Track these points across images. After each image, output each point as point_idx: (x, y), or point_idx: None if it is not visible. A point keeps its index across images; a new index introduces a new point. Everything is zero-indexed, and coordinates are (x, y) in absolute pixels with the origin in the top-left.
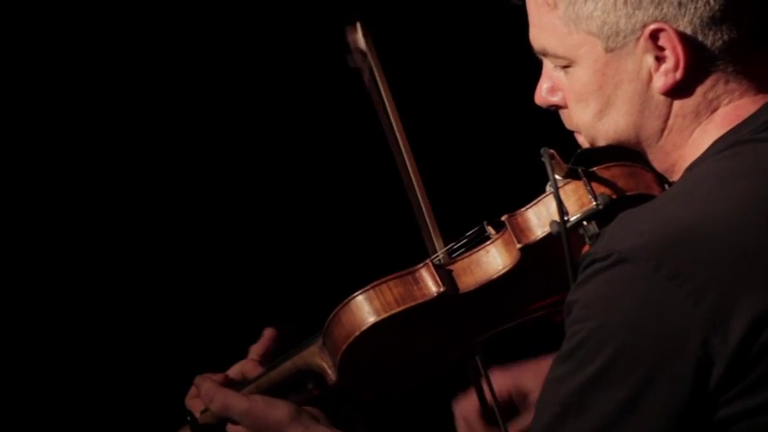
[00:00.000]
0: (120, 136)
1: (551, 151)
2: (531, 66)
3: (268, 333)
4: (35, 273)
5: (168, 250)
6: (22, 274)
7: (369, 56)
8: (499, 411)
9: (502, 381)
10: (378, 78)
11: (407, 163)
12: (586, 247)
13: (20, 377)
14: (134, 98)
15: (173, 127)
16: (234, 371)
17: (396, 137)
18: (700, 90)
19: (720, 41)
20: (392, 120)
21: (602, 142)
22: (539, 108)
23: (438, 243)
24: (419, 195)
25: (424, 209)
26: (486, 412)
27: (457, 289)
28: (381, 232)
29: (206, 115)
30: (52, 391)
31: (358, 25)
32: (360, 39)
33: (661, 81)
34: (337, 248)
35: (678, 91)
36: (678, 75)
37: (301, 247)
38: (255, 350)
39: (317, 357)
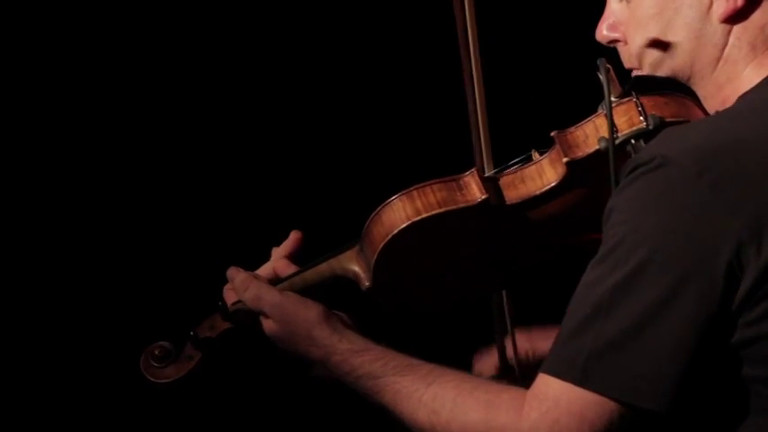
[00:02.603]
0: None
1: (608, 65)
2: (592, 10)
3: (294, 235)
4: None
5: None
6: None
7: None
8: (519, 369)
9: (522, 342)
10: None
11: (476, 91)
12: None
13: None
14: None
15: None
16: (264, 270)
17: (470, 59)
18: (759, 21)
19: None
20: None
21: (658, 72)
22: (599, 49)
23: (488, 164)
24: (480, 116)
25: (480, 121)
26: (505, 369)
27: (500, 199)
28: (434, 156)
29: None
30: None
31: None
32: None
33: (721, 8)
34: (385, 163)
35: (737, 20)
36: (739, 2)
37: (352, 155)
38: (280, 251)
39: (354, 262)
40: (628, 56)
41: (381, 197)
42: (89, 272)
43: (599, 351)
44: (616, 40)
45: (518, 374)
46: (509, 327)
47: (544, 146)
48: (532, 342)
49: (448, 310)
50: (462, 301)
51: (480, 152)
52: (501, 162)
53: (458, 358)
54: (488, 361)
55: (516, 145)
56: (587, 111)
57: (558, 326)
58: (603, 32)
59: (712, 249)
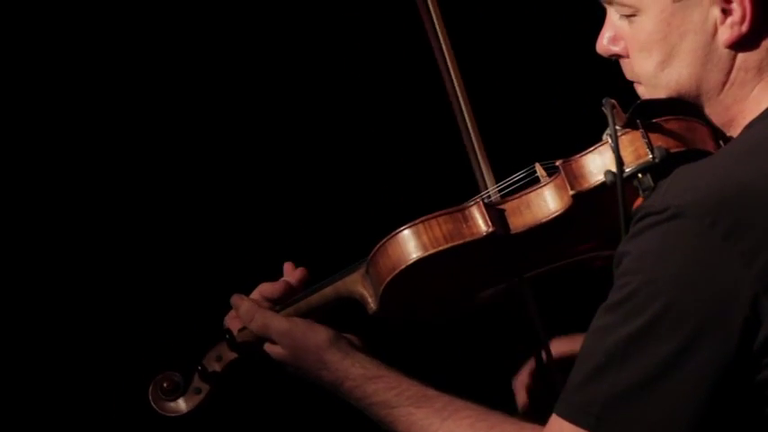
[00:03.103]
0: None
1: (613, 101)
2: (593, 15)
3: (300, 272)
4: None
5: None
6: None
7: None
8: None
9: (558, 349)
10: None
11: (461, 100)
12: (639, 200)
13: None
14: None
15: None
16: (258, 293)
17: (450, 72)
18: (764, 45)
19: None
20: (446, 54)
21: (662, 93)
22: (598, 57)
23: (489, 179)
24: (471, 130)
25: (476, 145)
26: (546, 380)
27: (506, 229)
28: (432, 170)
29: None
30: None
31: None
32: None
33: (726, 34)
34: (386, 186)
35: (743, 45)
36: (744, 28)
37: (349, 183)
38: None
39: (360, 285)
40: (630, 70)
41: (384, 207)
42: (91, 290)
43: (613, 401)
44: (617, 54)
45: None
46: (542, 336)
47: (546, 157)
48: (569, 346)
49: (455, 318)
50: (470, 311)
51: (482, 175)
52: (503, 172)
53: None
54: (527, 378)
55: (517, 154)
56: (587, 120)
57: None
58: (604, 44)
59: (728, 301)
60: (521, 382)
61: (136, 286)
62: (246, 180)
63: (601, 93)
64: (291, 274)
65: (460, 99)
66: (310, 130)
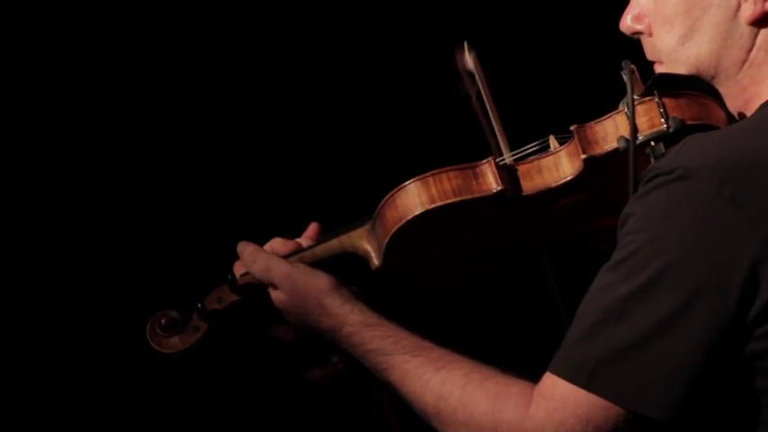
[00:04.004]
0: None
1: (632, 65)
2: None
3: (313, 227)
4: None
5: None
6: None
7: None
8: None
9: None
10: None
11: (478, 72)
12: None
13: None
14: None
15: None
16: (273, 244)
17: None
18: None
19: None
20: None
21: (682, 69)
22: (619, 34)
23: (503, 145)
24: (487, 100)
25: (492, 115)
26: None
27: (515, 190)
28: (447, 140)
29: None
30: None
31: (465, 46)
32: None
33: (750, 10)
34: (400, 157)
35: (765, 22)
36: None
37: (363, 152)
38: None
39: (365, 240)
40: (651, 48)
41: (394, 176)
42: (101, 244)
43: (609, 357)
44: (640, 32)
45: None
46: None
47: (561, 131)
48: None
49: (457, 289)
50: (472, 281)
51: (495, 136)
52: (518, 145)
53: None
54: None
55: (533, 129)
56: (604, 95)
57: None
58: (628, 23)
59: (729, 265)
60: None
61: (143, 231)
62: (261, 135)
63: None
64: (306, 233)
65: (478, 70)
66: (330, 92)
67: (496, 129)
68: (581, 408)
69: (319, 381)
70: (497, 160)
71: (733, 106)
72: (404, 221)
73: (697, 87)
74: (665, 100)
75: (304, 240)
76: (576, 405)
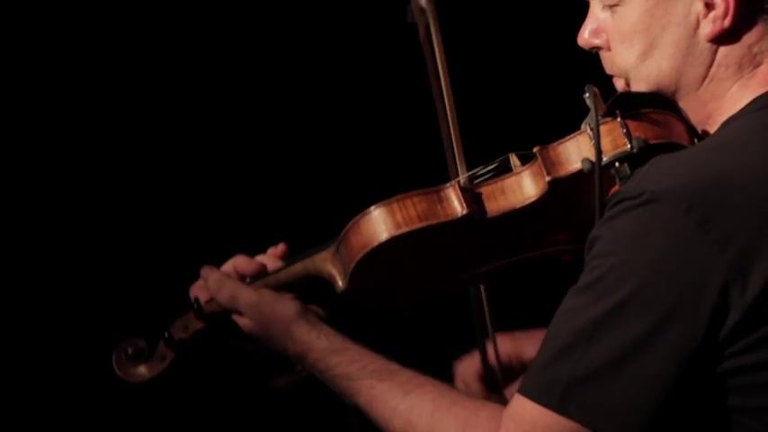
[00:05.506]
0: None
1: (595, 88)
2: (572, 5)
3: (281, 247)
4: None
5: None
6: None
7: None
8: (500, 374)
9: (505, 346)
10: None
11: (443, 87)
12: (615, 188)
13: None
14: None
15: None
16: (231, 265)
17: (433, 59)
18: (746, 41)
19: None
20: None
21: (642, 86)
22: (578, 49)
23: (461, 167)
24: (449, 114)
25: (452, 130)
26: (487, 374)
27: (480, 213)
28: (404, 159)
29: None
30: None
31: None
32: None
33: (708, 28)
34: (358, 171)
35: (724, 40)
36: (726, 23)
37: (323, 168)
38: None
39: (329, 263)
40: (610, 63)
41: (356, 195)
42: (63, 266)
43: (579, 380)
44: (598, 47)
45: (501, 380)
46: (490, 331)
47: (520, 147)
48: (517, 346)
49: (423, 305)
50: (437, 298)
51: (454, 162)
52: (476, 163)
53: (436, 362)
54: (470, 367)
55: (489, 147)
56: (562, 109)
57: (541, 329)
58: (585, 37)
59: (698, 288)
60: (463, 371)
61: (103, 255)
62: (226, 154)
63: (580, 84)
64: (272, 251)
65: (443, 85)
66: (287, 115)
67: (456, 149)
68: (550, 430)
69: (284, 387)
70: (459, 181)
71: (694, 120)
72: (369, 248)
73: (657, 102)
74: (627, 120)
75: (267, 258)
76: (546, 427)
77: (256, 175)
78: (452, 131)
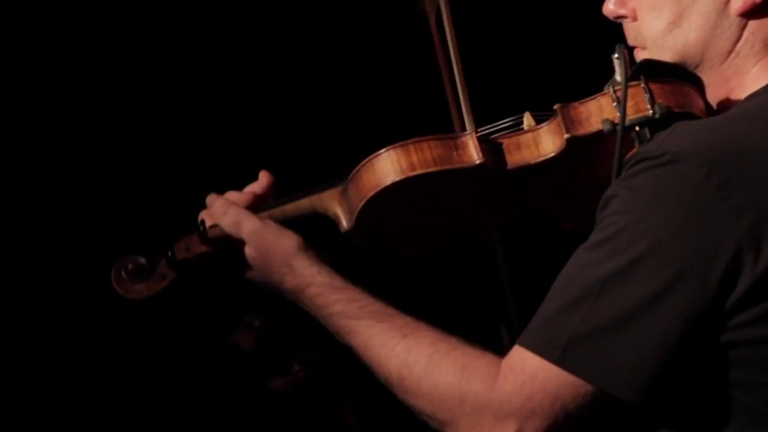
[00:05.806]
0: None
1: (626, 51)
2: None
3: (265, 177)
4: None
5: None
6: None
7: None
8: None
9: None
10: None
11: (451, 49)
12: (634, 151)
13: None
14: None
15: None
16: (240, 197)
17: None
18: None
19: None
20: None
21: (667, 56)
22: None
23: (469, 124)
24: (458, 77)
25: (460, 87)
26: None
27: (495, 164)
28: (415, 118)
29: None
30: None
31: None
32: None
33: (740, 2)
34: (363, 130)
35: (755, 14)
36: None
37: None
38: (253, 188)
39: (336, 202)
40: (634, 33)
41: (361, 153)
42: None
43: (583, 335)
44: (623, 16)
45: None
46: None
47: (537, 108)
48: None
49: (424, 256)
50: (441, 248)
51: (464, 110)
52: (489, 120)
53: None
54: None
55: (505, 105)
56: (576, 77)
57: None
58: (611, 7)
59: (712, 252)
60: None
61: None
62: (235, 96)
63: (596, 54)
64: (258, 182)
65: (450, 48)
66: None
67: (464, 109)
68: (551, 383)
69: (280, 389)
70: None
71: (713, 96)
72: (381, 188)
73: (680, 73)
74: (651, 86)
75: (256, 187)
76: (546, 380)
77: (266, 125)
78: (459, 88)
